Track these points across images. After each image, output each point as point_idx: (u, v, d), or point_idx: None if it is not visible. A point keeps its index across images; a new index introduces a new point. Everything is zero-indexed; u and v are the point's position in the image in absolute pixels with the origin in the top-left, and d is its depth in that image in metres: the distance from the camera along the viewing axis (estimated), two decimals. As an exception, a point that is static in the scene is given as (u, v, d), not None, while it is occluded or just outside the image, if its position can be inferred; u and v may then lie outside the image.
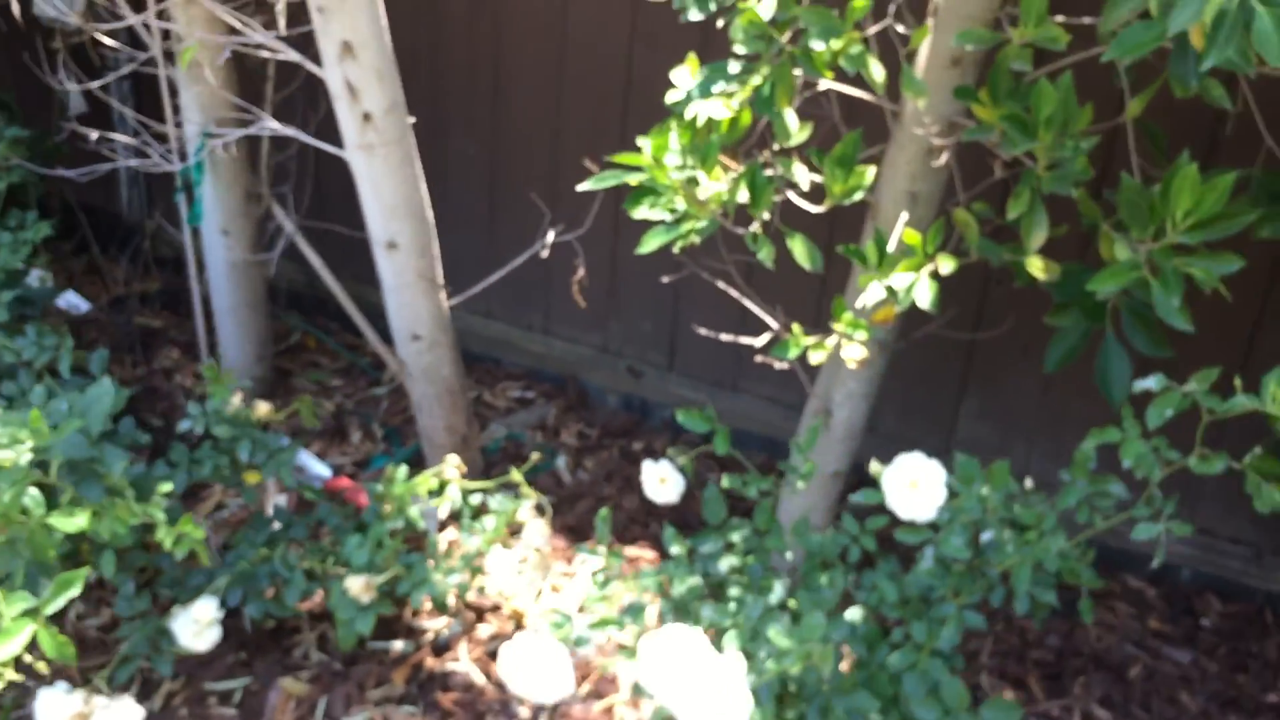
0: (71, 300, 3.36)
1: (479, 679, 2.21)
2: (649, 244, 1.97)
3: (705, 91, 1.86)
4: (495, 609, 2.36)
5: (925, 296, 1.91)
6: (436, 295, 2.49)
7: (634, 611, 1.80)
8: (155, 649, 2.05)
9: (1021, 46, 1.77)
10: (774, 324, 2.25)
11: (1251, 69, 1.49)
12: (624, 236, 2.87)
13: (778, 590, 1.84)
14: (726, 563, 1.87)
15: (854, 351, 2.02)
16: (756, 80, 1.89)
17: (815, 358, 2.02)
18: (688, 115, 1.90)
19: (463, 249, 3.05)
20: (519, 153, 2.96)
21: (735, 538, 1.89)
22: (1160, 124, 2.03)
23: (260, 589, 2.14)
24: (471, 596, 2.35)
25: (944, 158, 2.01)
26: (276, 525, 2.23)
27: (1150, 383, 1.65)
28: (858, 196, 1.96)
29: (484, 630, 2.31)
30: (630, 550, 2.54)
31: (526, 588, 2.42)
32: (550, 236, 2.51)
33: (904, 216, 2.11)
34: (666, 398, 3.01)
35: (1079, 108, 1.87)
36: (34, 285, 2.67)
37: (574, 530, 2.62)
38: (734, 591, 1.86)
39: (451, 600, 2.28)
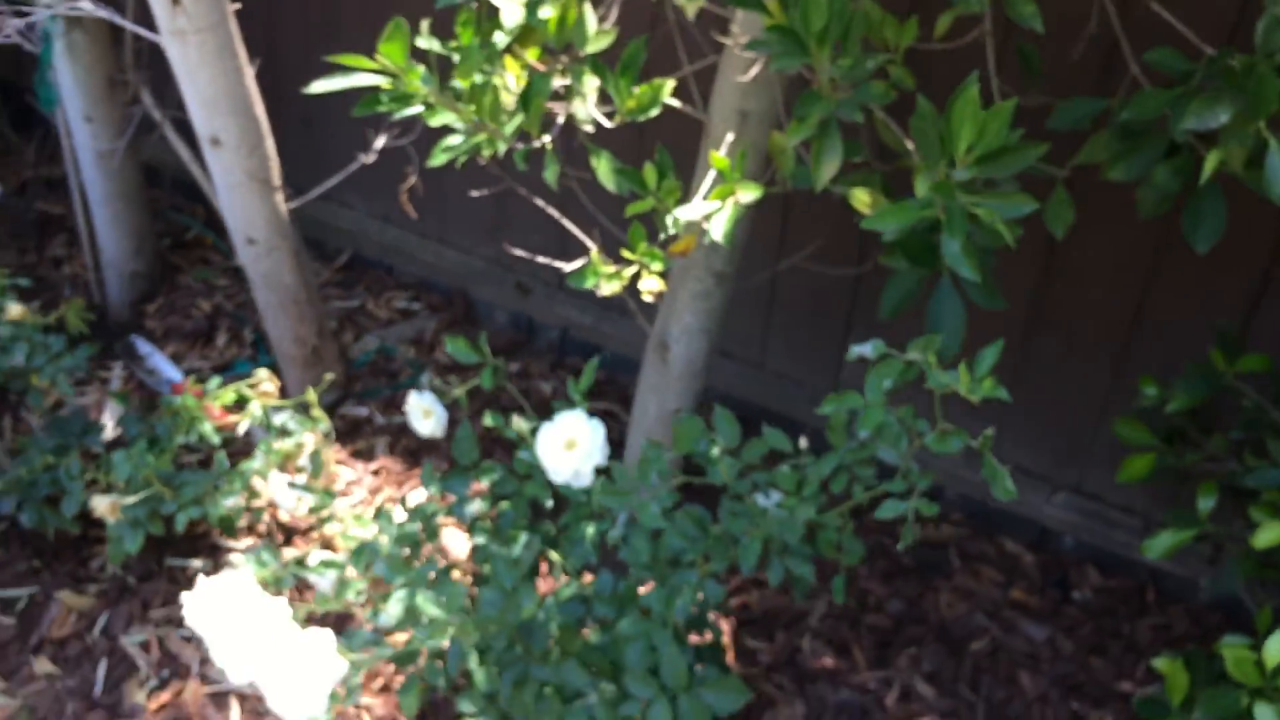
0: (-19, 183, 3.29)
1: (266, 605, 2.11)
2: (438, 158, 1.80)
3: (468, -13, 1.66)
4: (307, 531, 2.26)
5: (719, 229, 1.73)
6: (271, 197, 2.34)
7: (359, 555, 1.67)
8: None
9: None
10: (591, 245, 2.06)
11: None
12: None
13: (523, 540, 1.69)
14: (473, 507, 1.73)
15: (650, 284, 1.85)
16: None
17: (606, 288, 1.84)
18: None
19: (349, 146, 2.89)
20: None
21: (485, 482, 1.74)
22: (1045, 43, 1.79)
23: (38, 497, 2.05)
24: (285, 517, 2.24)
25: (753, 71, 1.79)
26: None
27: (866, 349, 1.46)
28: (654, 113, 1.76)
29: (288, 554, 2.21)
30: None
31: (345, 510, 2.31)
32: (381, 141, 2.34)
33: (730, 138, 1.91)
34: (553, 318, 2.85)
35: (874, 18, 1.66)
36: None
37: (414, 454, 2.49)
38: (479, 540, 1.72)
39: (265, 520, 2.18)
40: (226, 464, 2.04)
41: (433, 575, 1.50)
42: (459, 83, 1.68)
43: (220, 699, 1.99)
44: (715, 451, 1.59)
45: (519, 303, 2.88)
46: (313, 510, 1.68)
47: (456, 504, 1.71)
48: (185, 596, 1.49)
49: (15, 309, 1.97)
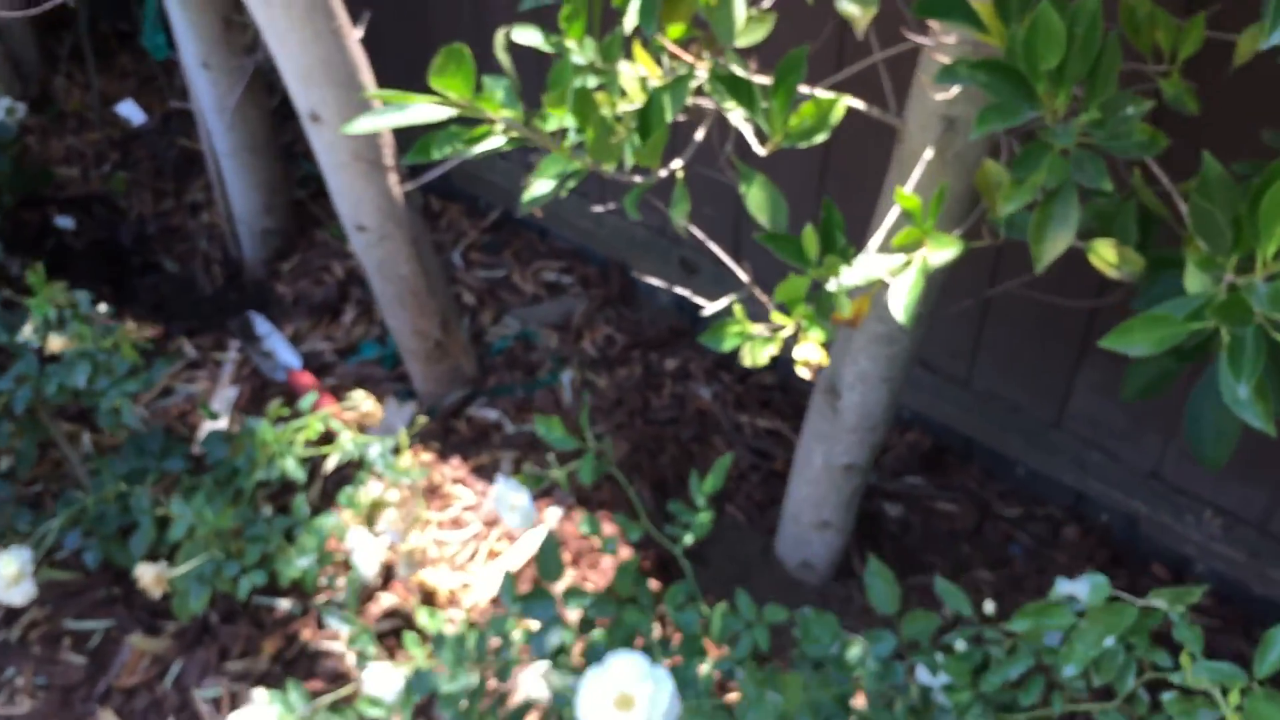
0: (129, 110, 3.07)
1: (350, 666, 1.83)
2: (532, 192, 1.38)
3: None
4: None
5: (899, 304, 1.28)
6: (382, 179, 1.99)
7: (410, 691, 1.34)
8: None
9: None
10: (744, 277, 1.63)
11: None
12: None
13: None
14: (554, 638, 1.36)
15: (809, 354, 1.41)
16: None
17: (750, 358, 1.42)
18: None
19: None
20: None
21: (574, 608, 1.37)
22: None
23: (107, 532, 1.81)
24: (395, 540, 1.95)
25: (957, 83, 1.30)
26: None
27: (1081, 587, 0.99)
28: (819, 139, 1.30)
29: (386, 600, 1.91)
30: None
31: (455, 552, 2.00)
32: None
33: (928, 155, 1.43)
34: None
35: (1139, 13, 1.15)
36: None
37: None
38: (558, 683, 1.37)
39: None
40: (306, 511, 1.74)
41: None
42: (551, 112, 1.26)
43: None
44: (854, 652, 1.17)
45: (684, 283, 2.46)
46: (351, 643, 1.36)
47: (536, 635, 1.35)
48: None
49: (56, 341, 1.70)
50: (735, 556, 2.04)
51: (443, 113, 1.21)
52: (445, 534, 2.03)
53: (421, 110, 1.19)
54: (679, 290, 1.73)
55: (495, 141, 1.27)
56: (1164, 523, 2.00)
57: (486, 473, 2.15)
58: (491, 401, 2.28)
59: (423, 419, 2.15)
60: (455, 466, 2.15)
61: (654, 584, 1.94)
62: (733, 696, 1.57)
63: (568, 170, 1.31)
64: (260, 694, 1.30)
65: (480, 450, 2.19)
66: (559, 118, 1.24)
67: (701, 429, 2.20)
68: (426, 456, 2.15)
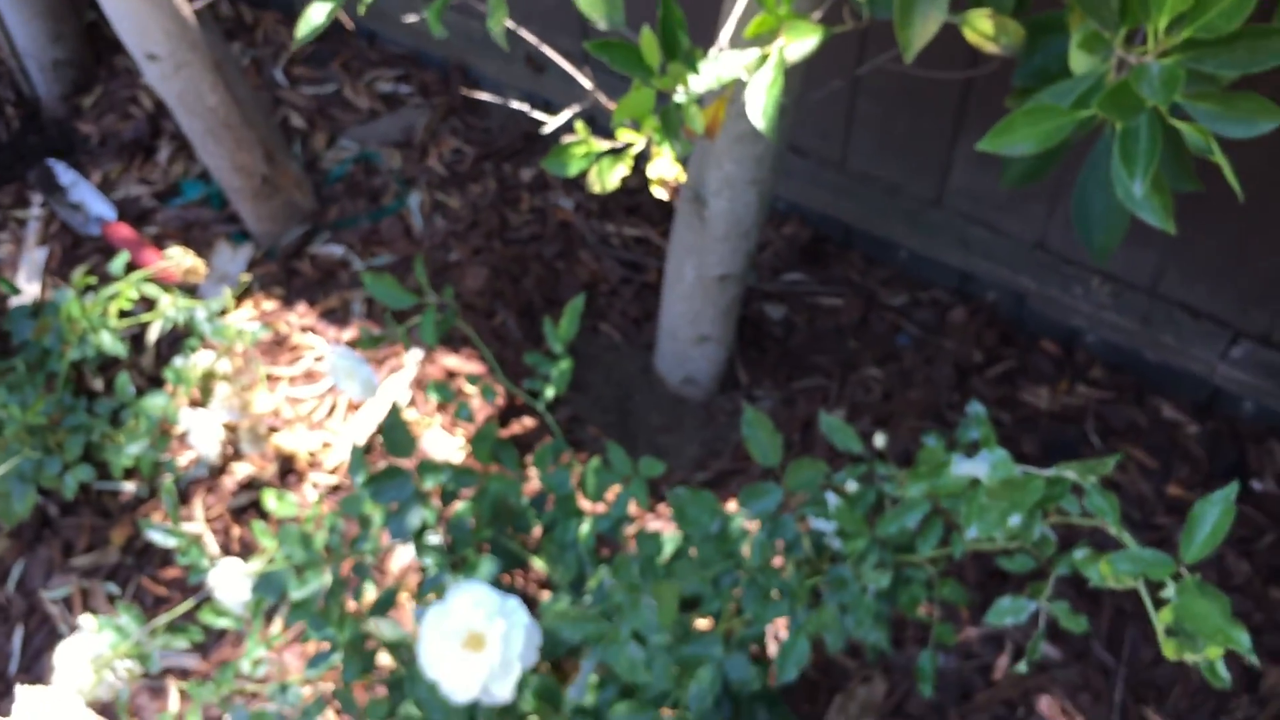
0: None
1: (210, 550, 1.70)
2: (307, 21, 1.19)
3: None
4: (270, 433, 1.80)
5: (756, 107, 1.13)
6: (167, -2, 1.73)
7: (260, 591, 1.21)
8: None
9: None
10: (588, 85, 1.45)
11: None
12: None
13: (485, 566, 1.21)
14: (415, 517, 1.24)
15: (662, 171, 1.27)
16: None
17: (599, 184, 1.27)
18: None
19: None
20: None
21: (431, 483, 1.24)
22: None
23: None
24: (234, 418, 1.78)
25: None
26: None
27: (980, 466, 0.88)
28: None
29: (241, 470, 1.76)
30: (451, 361, 1.89)
31: (312, 409, 1.85)
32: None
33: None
34: (576, 100, 2.22)
35: None
36: None
37: (402, 315, 1.98)
38: (427, 563, 1.25)
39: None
40: (131, 391, 1.56)
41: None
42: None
43: (155, 681, 1.62)
44: (739, 524, 1.06)
45: (531, 83, 2.25)
46: (181, 557, 1.21)
47: (394, 516, 1.22)
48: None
49: None
50: (614, 378, 1.92)
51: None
52: (298, 390, 1.87)
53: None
54: (515, 104, 1.55)
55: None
56: (1051, 296, 1.92)
57: (338, 317, 1.98)
58: (335, 236, 2.09)
59: (247, 277, 1.95)
60: (302, 314, 1.97)
61: (528, 422, 1.82)
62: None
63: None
64: (88, 620, 1.17)
65: (328, 292, 2.01)
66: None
67: (566, 244, 2.04)
68: (269, 305, 1.97)
